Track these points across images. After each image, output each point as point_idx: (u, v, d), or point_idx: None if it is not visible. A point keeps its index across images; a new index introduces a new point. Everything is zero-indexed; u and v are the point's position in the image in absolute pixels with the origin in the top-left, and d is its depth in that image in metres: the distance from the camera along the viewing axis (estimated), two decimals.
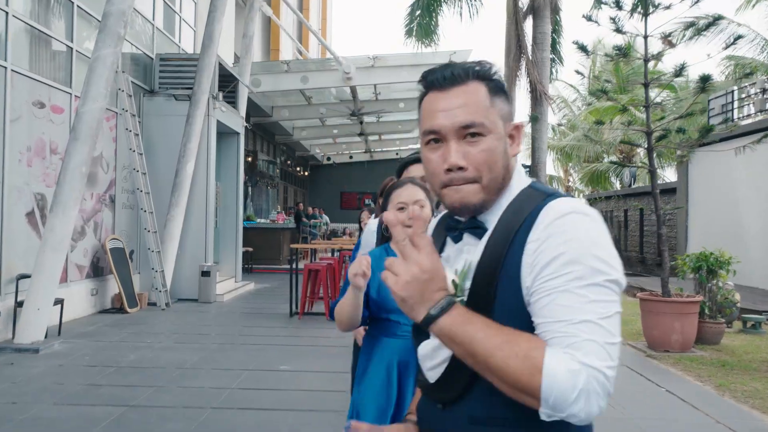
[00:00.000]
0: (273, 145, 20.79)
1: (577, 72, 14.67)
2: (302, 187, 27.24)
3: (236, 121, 11.55)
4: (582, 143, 27.88)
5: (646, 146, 7.03)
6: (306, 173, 27.59)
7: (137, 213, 9.28)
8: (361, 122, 19.50)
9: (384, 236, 2.41)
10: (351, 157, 27.81)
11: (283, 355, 6.16)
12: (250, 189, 17.61)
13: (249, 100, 14.62)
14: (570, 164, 33.82)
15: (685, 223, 14.74)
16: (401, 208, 2.09)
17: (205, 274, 9.59)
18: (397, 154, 27.36)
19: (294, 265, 8.63)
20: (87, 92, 6.57)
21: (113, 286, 8.57)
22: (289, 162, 23.73)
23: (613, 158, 22.95)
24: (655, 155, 7.20)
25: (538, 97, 16.85)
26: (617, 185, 27.06)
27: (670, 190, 17.12)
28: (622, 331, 7.82)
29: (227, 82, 11.31)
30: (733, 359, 6.34)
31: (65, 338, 6.54)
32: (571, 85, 30.22)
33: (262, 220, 16.23)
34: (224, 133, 11.54)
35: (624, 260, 11.93)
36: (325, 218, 20.26)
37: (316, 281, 8.71)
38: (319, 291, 8.78)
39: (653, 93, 29.64)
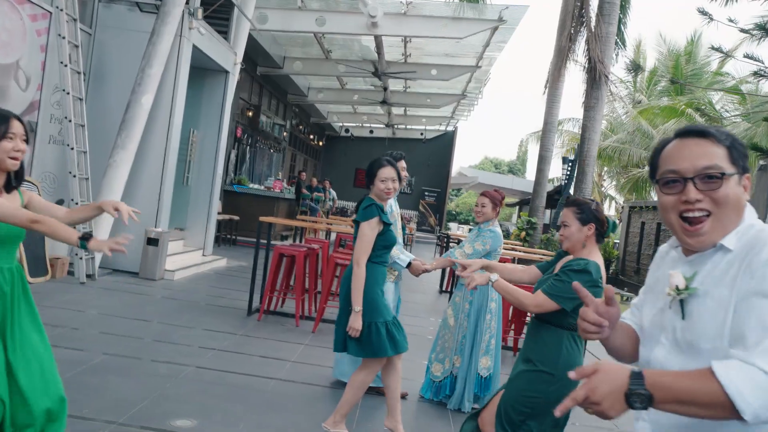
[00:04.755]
0: (284, 104, 18.40)
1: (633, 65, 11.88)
2: (314, 158, 24.85)
3: (226, 56, 9.17)
4: (626, 146, 25.07)
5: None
6: (321, 143, 25.19)
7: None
8: (386, 88, 17.03)
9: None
10: (371, 132, 25.33)
11: (203, 390, 3.83)
12: (248, 149, 15.27)
13: (256, 43, 12.23)
14: (606, 169, 31.03)
15: None
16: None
17: (152, 242, 7.29)
18: (422, 134, 24.78)
19: (267, 243, 6.30)
20: None
21: None
22: (301, 127, 21.33)
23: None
24: None
25: (596, 78, 14.09)
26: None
27: None
28: None
29: (216, 4, 8.91)
30: None
31: None
32: (622, 80, 27.32)
33: (256, 186, 13.88)
34: (208, 70, 9.18)
35: None
36: (333, 194, 17.88)
37: (291, 270, 6.41)
38: (290, 284, 6.49)
39: (715, 98, 26.68)
